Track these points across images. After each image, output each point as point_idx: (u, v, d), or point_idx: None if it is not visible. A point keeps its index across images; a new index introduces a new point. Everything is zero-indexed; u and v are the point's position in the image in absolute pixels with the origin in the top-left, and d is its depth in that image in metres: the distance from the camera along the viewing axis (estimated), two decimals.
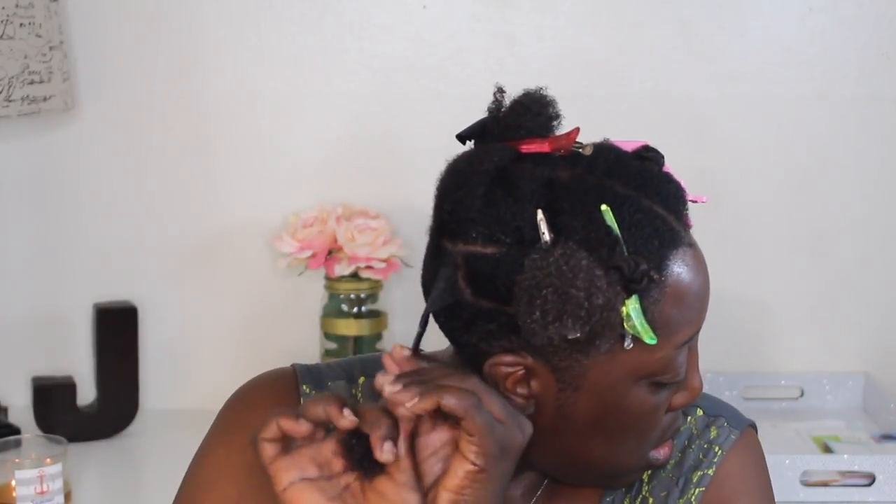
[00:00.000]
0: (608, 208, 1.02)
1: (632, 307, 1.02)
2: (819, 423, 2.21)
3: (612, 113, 2.25)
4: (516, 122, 1.07)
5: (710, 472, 1.19)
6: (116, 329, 2.20)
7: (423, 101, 2.23)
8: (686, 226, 1.09)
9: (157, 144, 2.27)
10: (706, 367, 2.21)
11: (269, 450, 1.04)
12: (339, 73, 2.25)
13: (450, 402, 1.01)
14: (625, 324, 1.02)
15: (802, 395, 2.31)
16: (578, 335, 1.01)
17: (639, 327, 1.02)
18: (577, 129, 1.07)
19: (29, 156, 2.25)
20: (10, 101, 2.05)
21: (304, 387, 1.20)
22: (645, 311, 1.03)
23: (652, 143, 1.11)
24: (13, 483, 1.76)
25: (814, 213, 2.31)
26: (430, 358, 1.09)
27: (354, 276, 2.13)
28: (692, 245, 1.08)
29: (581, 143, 1.07)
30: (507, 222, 1.03)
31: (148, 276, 2.29)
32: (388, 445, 1.01)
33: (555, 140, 1.07)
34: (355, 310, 2.16)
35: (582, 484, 1.17)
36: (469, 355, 1.08)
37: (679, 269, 1.05)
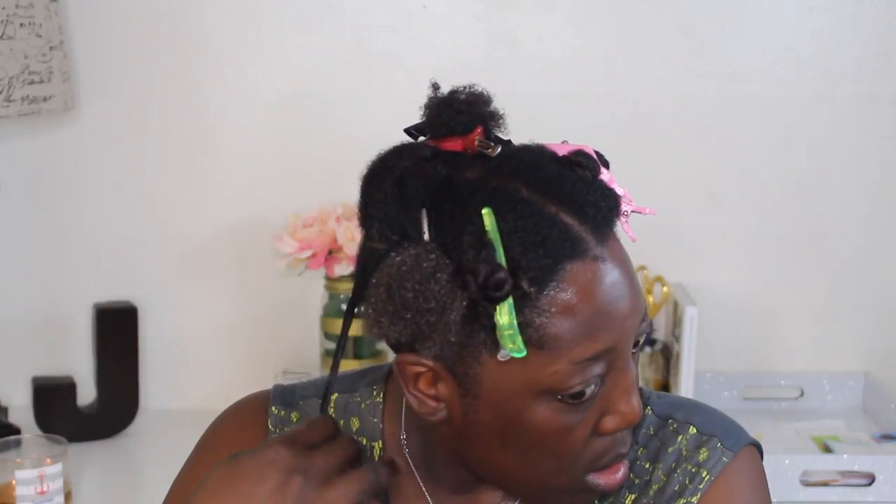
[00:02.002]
0: (489, 211, 0.99)
1: (501, 315, 0.98)
2: (819, 423, 2.21)
3: (612, 113, 2.25)
4: (438, 120, 1.05)
5: (695, 499, 1.10)
6: (116, 329, 2.20)
7: (423, 102, 2.24)
8: (602, 239, 1.01)
9: (157, 144, 2.27)
10: (706, 367, 2.25)
11: None
12: (339, 73, 2.25)
13: None
14: (496, 332, 0.99)
15: (802, 395, 2.31)
16: (400, 337, 1.01)
17: (505, 337, 0.98)
18: (479, 128, 1.04)
19: (29, 156, 2.25)
20: (10, 101, 2.05)
21: (274, 408, 1.21)
22: (528, 321, 0.99)
23: (598, 148, 1.06)
24: (13, 483, 1.76)
25: (814, 213, 2.31)
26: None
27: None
28: (602, 259, 1.00)
29: (490, 144, 1.04)
30: (395, 220, 1.02)
31: (148, 276, 2.29)
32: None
33: (464, 139, 1.04)
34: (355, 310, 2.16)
35: (530, 501, 1.12)
36: (393, 350, 1.07)
37: (576, 281, 0.99)
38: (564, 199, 1.01)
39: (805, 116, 2.29)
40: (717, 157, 2.29)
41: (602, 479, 1.07)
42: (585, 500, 1.10)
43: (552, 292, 0.99)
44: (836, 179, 2.30)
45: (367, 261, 1.04)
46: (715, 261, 2.32)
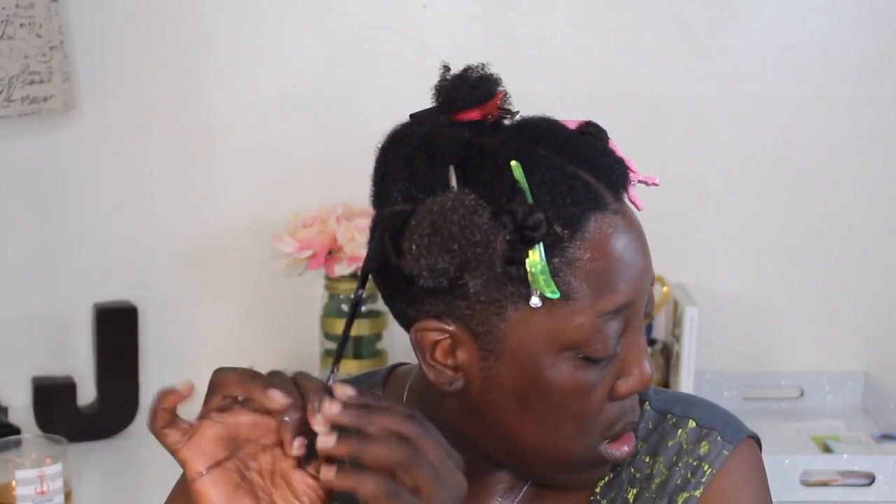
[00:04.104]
0: (518, 164, 1.03)
1: (534, 258, 1.01)
2: (819, 423, 2.21)
3: (612, 113, 2.24)
4: (454, 95, 1.09)
5: (698, 493, 1.12)
6: (116, 329, 2.20)
7: (424, 102, 2.24)
8: (618, 197, 1.06)
9: (157, 144, 2.27)
10: (706, 367, 2.25)
11: (171, 436, 1.05)
12: (339, 73, 2.25)
13: (378, 456, 0.95)
14: (528, 278, 1.01)
15: (802, 395, 2.31)
16: (449, 267, 1.01)
17: (540, 280, 1.01)
18: (501, 93, 1.09)
19: (29, 156, 2.25)
20: (10, 101, 2.05)
21: None
22: (557, 269, 1.01)
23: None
24: (13, 483, 1.76)
25: (814, 213, 2.31)
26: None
27: (354, 276, 2.13)
28: (622, 213, 1.05)
29: (510, 111, 1.09)
30: (422, 179, 1.04)
31: (148, 276, 2.29)
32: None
33: (484, 107, 1.08)
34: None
35: (541, 479, 1.13)
36: (404, 326, 1.09)
37: (600, 231, 1.03)
38: (582, 159, 1.06)
39: (805, 117, 2.29)
40: (716, 157, 2.29)
41: (615, 450, 1.09)
42: (596, 476, 1.12)
43: (578, 241, 1.02)
44: (836, 179, 2.30)
45: (391, 224, 1.04)
46: (715, 261, 2.32)
